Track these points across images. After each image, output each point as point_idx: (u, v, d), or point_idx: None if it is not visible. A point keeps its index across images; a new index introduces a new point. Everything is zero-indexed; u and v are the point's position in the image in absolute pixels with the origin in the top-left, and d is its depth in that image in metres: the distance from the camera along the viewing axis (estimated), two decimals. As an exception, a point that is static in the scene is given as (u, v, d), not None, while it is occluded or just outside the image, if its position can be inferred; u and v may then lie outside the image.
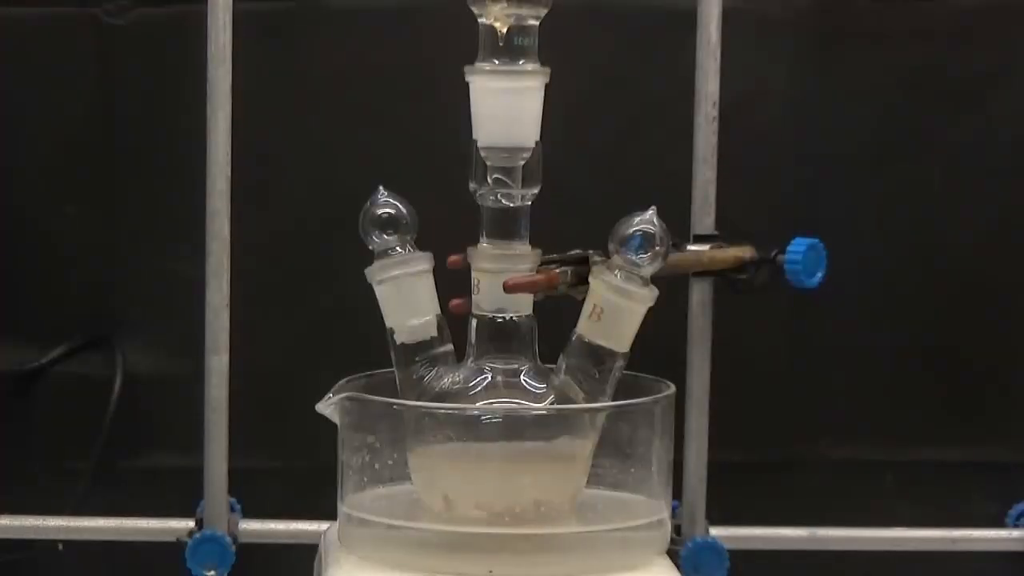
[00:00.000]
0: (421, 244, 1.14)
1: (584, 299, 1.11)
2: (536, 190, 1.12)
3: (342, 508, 1.12)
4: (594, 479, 1.13)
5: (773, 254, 1.51)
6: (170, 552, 1.62)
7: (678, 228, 1.47)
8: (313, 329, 1.74)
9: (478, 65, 1.10)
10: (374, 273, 1.13)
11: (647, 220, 1.09)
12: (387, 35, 1.72)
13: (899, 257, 1.75)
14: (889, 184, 1.74)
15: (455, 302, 1.15)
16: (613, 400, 1.11)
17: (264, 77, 1.68)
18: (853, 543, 1.68)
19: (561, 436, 1.09)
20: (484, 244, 1.12)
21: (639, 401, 1.09)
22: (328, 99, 1.73)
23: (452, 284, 1.15)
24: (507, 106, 1.10)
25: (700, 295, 1.58)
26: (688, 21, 1.60)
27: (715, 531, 1.62)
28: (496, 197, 1.11)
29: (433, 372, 1.13)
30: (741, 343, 1.68)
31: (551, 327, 1.14)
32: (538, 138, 1.11)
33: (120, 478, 1.75)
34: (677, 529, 1.60)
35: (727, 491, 1.64)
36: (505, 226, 1.11)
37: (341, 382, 1.12)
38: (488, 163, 1.11)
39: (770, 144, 1.74)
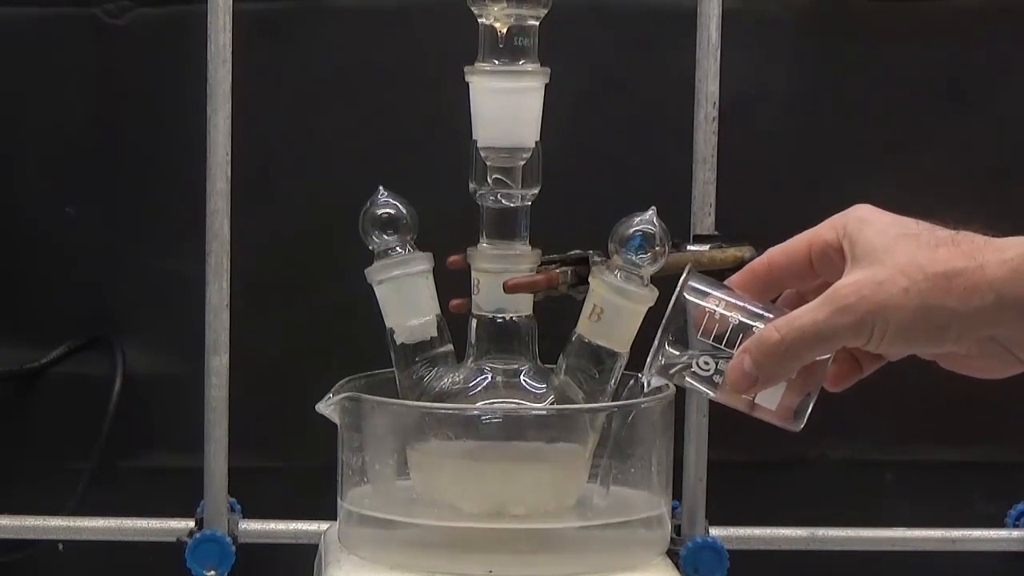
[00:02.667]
0: (421, 244, 1.14)
1: (584, 299, 1.11)
2: (536, 190, 1.12)
3: (342, 507, 1.12)
4: (594, 478, 1.12)
5: (773, 254, 1.50)
6: (170, 552, 1.62)
7: (678, 228, 1.47)
8: (313, 329, 1.74)
9: (478, 65, 1.10)
10: (374, 273, 1.13)
11: (647, 220, 1.09)
12: (387, 35, 1.72)
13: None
14: (889, 184, 1.74)
15: (455, 302, 1.15)
16: (613, 400, 1.11)
17: (264, 77, 1.68)
18: (853, 543, 1.68)
19: (561, 436, 1.09)
20: (484, 244, 1.12)
21: (639, 401, 1.09)
22: (328, 99, 1.73)
23: (452, 284, 1.15)
24: (507, 106, 1.10)
25: (700, 295, 1.58)
26: (688, 21, 1.60)
27: (715, 531, 1.62)
28: (496, 197, 1.11)
29: (433, 372, 1.13)
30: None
31: (551, 327, 1.14)
32: (538, 138, 1.11)
33: (120, 478, 1.75)
34: (677, 529, 1.60)
35: (727, 491, 1.64)
36: (505, 226, 1.11)
37: (341, 382, 1.12)
38: (488, 163, 1.11)
39: (770, 144, 1.74)
